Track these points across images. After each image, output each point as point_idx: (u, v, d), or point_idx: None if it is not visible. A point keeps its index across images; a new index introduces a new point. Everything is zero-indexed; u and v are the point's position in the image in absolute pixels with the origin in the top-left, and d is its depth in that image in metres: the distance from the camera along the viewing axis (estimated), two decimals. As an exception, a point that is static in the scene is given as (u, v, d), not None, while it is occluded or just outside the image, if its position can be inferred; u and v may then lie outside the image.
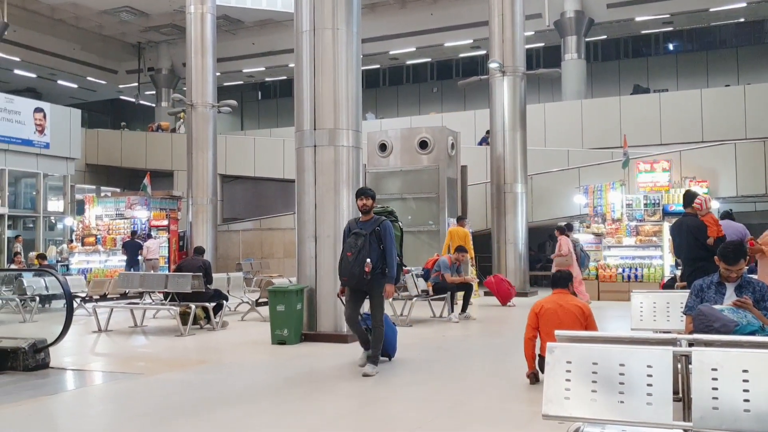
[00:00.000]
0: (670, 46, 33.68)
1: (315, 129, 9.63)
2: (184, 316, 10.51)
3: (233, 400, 5.95)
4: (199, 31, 19.63)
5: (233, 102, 20.73)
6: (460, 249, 12.33)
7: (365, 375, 6.81)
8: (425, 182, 16.47)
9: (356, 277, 6.87)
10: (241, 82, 37.75)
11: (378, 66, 35.41)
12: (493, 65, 17.14)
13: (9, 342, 7.56)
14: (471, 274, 14.66)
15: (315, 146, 9.62)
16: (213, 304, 10.99)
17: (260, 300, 12.89)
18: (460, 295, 12.26)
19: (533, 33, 28.04)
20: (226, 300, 11.69)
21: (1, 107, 20.85)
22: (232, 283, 13.43)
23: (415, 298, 11.32)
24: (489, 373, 7.29)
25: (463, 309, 12.07)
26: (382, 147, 16.93)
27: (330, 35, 9.62)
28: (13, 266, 16.95)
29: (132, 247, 19.40)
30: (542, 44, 31.36)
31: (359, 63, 10.03)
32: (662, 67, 32.76)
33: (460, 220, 15.01)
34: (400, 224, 7.64)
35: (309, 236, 9.60)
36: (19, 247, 19.74)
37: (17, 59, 30.91)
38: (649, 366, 3.16)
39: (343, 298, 7.30)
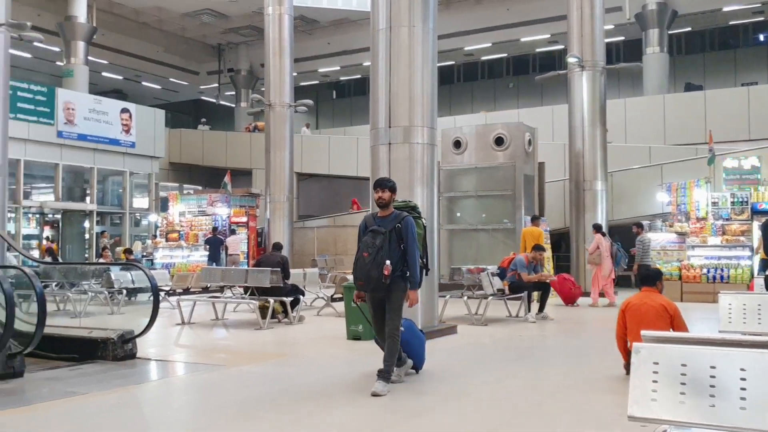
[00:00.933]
0: (761, 37, 32.13)
1: (390, 126, 9.65)
2: (263, 310, 10.76)
3: (312, 393, 6.04)
4: (277, 32, 20.02)
5: (309, 101, 21.08)
6: (538, 248, 12.13)
7: (374, 394, 5.81)
8: (501, 179, 16.27)
9: (374, 281, 5.93)
10: (317, 82, 38.28)
11: (452, 62, 35.24)
12: (571, 60, 16.79)
13: (99, 333, 7.90)
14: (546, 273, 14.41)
15: (390, 144, 9.64)
16: (290, 298, 11.20)
17: (335, 296, 13.04)
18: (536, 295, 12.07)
19: (613, 27, 27.30)
20: (303, 295, 11.89)
21: (90, 108, 21.83)
22: (308, 278, 13.61)
23: (490, 297, 11.21)
24: (568, 373, 7.14)
25: (540, 309, 11.88)
26: (457, 144, 16.83)
27: (406, 32, 9.63)
28: (101, 260, 17.72)
29: (214, 243, 19.99)
30: (622, 38, 30.51)
31: (435, 60, 10.00)
32: (751, 59, 31.30)
33: (535, 219, 14.77)
34: (424, 221, 6.59)
35: (384, 233, 9.62)
36: (106, 242, 20.64)
37: (105, 62, 32.29)
38: (742, 369, 3.02)
39: (360, 304, 6.44)
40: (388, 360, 6.09)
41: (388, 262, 5.87)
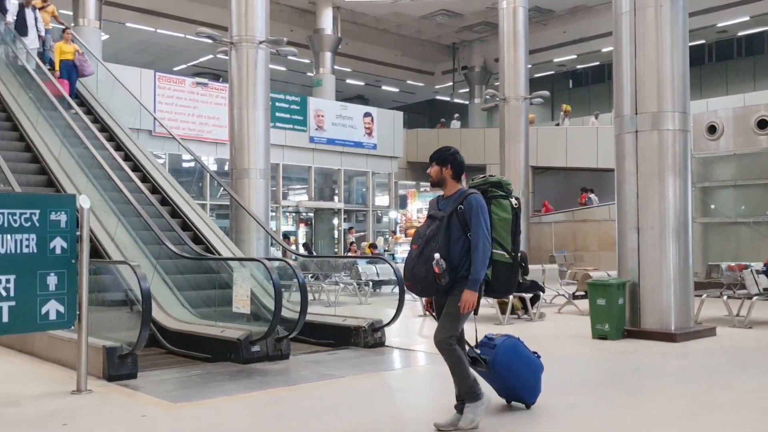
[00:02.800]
0: None
1: (636, 113, 9.11)
2: (502, 306, 10.76)
3: (558, 390, 5.91)
4: (512, 26, 19.87)
5: (545, 93, 20.63)
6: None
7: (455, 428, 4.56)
8: (764, 166, 14.60)
9: (420, 281, 4.49)
10: (552, 72, 37.38)
11: (703, 41, 32.33)
12: None
13: (351, 321, 8.47)
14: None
15: (636, 132, 9.10)
16: (530, 295, 11.07)
17: (577, 293, 12.64)
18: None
19: None
20: (543, 291, 11.69)
21: (337, 114, 23.46)
22: (547, 274, 13.40)
23: (755, 298, 10.10)
24: None
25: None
26: (711, 129, 15.41)
27: (652, 13, 9.02)
28: (349, 254, 18.98)
29: None
30: None
31: (686, 40, 9.25)
32: None
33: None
34: (513, 200, 4.75)
35: (630, 227, 9.13)
36: (353, 238, 22.05)
37: (348, 70, 34.46)
38: None
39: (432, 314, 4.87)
40: (459, 384, 4.62)
41: (437, 256, 4.37)
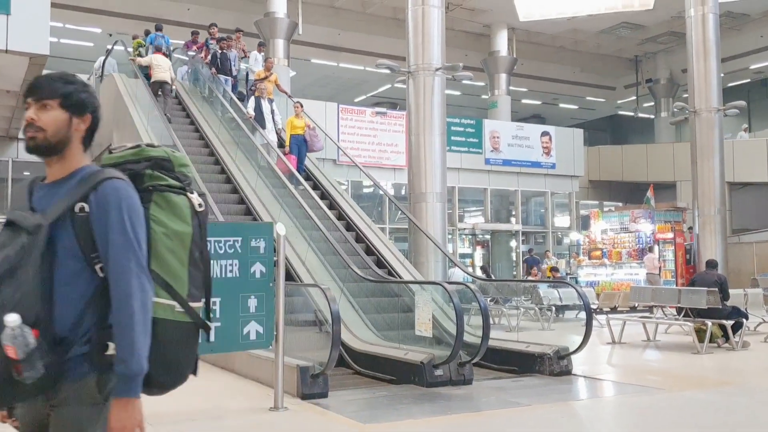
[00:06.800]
0: None
1: None
2: (699, 333, 9.99)
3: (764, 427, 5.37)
4: (701, 34, 18.64)
5: (741, 102, 19.09)
6: None
7: None
8: None
9: None
10: (748, 80, 34.47)
11: None
12: None
13: (535, 347, 8.27)
14: None
15: None
16: (731, 321, 10.18)
17: (786, 320, 11.44)
18: None
19: None
20: (746, 318, 10.70)
21: (513, 135, 23.23)
22: (750, 300, 12.25)
23: None
24: None
25: None
26: None
27: None
28: (529, 278, 18.59)
29: (531, 263, 19.89)
30: None
31: None
32: None
33: None
34: (194, 197, 2.23)
35: None
36: (550, 261, 21.50)
37: (524, 89, 34.05)
38: None
39: None
40: None
41: (11, 319, 1.87)
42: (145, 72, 14.20)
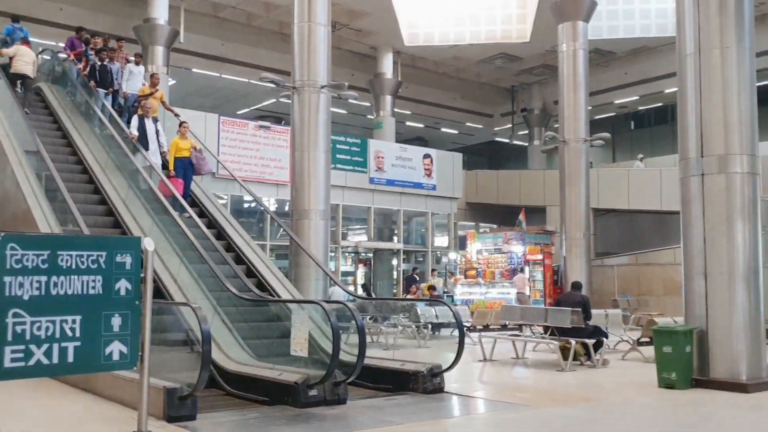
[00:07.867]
0: None
1: (702, 156, 8.89)
2: (564, 351, 10.49)
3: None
4: (571, 68, 19.78)
5: (606, 134, 20.43)
6: None
7: None
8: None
9: None
10: (613, 114, 36.91)
11: (771, 81, 31.45)
12: None
13: (410, 365, 8.36)
14: None
15: (702, 175, 8.87)
16: (593, 340, 10.77)
17: (641, 339, 12.23)
18: None
19: None
20: (606, 337, 11.35)
21: (397, 155, 23.64)
22: (610, 320, 13.01)
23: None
24: None
25: None
26: (782, 172, 14.85)
27: (718, 55, 8.85)
28: (408, 296, 18.88)
29: (410, 281, 20.91)
30: None
31: (753, 80, 9.03)
32: None
33: None
34: None
35: (697, 273, 8.83)
36: (432, 280, 21.85)
37: (408, 112, 34.80)
38: None
39: None
40: None
41: None
42: (3, 63, 13.39)
